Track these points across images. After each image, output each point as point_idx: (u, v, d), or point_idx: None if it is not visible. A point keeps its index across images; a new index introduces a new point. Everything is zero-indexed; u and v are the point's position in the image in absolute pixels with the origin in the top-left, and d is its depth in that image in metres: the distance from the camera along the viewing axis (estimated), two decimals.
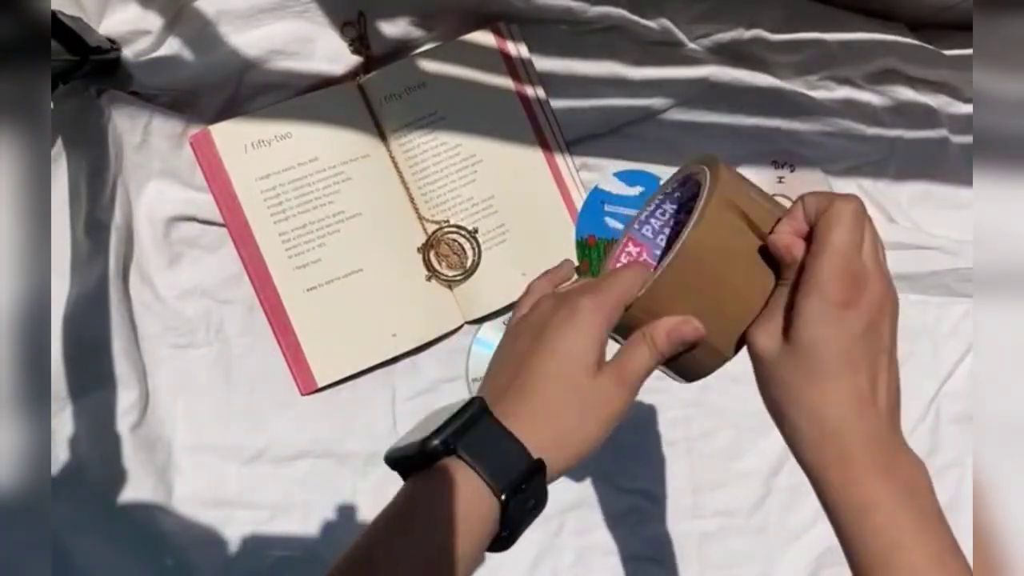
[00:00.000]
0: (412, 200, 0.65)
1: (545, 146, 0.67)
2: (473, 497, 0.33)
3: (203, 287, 0.62)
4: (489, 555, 0.68)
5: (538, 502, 0.35)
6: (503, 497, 0.33)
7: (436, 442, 0.33)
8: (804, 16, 0.68)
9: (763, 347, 0.37)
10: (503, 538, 0.35)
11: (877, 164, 0.74)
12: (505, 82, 0.66)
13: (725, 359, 0.40)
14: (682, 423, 0.71)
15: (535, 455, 0.34)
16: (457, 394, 0.67)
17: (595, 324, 0.36)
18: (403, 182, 0.65)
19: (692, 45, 0.68)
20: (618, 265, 0.42)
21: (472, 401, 0.35)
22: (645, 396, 0.70)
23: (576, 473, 0.68)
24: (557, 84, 0.67)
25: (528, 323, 0.38)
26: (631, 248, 0.43)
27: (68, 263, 0.57)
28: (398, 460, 0.35)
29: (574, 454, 0.35)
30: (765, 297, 0.38)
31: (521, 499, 0.33)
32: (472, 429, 0.34)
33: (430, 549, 0.32)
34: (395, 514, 0.34)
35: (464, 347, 0.67)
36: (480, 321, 0.67)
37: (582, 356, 0.36)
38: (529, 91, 0.66)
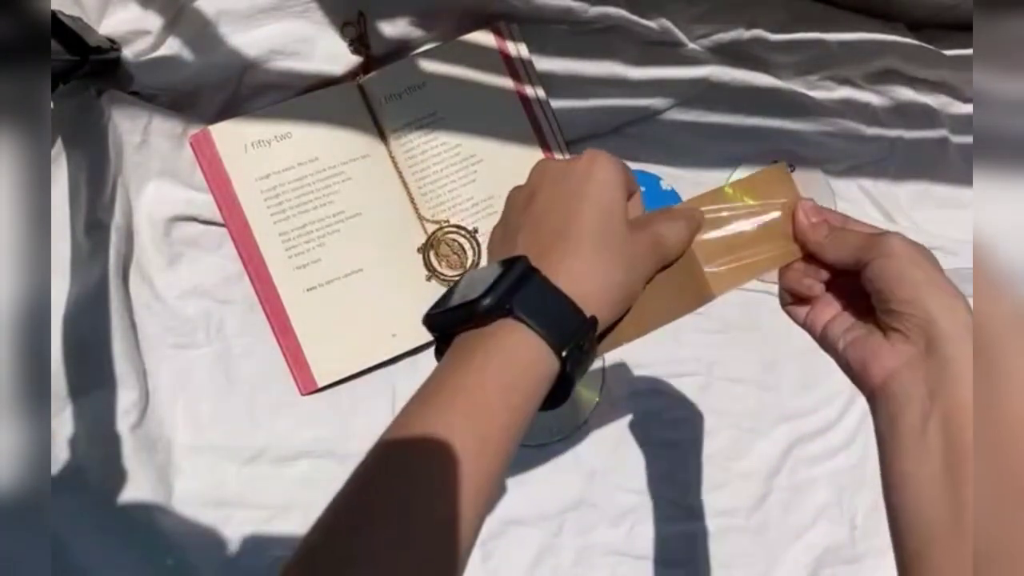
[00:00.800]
0: (412, 200, 0.65)
1: (545, 146, 0.67)
2: (535, 356, 0.32)
3: (203, 287, 0.62)
4: (489, 556, 0.68)
5: (590, 358, 0.34)
6: (564, 354, 0.32)
7: (489, 301, 0.32)
8: (804, 16, 0.68)
9: None
10: (556, 396, 0.35)
11: (877, 164, 0.75)
12: (505, 82, 0.66)
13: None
14: (682, 423, 0.71)
15: (587, 312, 0.33)
16: None
17: (620, 172, 0.36)
18: (403, 182, 0.65)
19: (692, 45, 0.68)
20: None
21: (516, 260, 0.34)
22: (646, 397, 0.70)
23: (576, 473, 0.68)
24: (557, 84, 0.67)
25: (548, 176, 0.37)
26: None
27: (68, 263, 0.57)
28: (446, 323, 0.34)
29: (621, 308, 0.35)
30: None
31: (577, 356, 0.33)
32: (523, 288, 0.32)
33: (502, 397, 0.32)
34: (458, 366, 0.33)
35: None
36: None
37: (618, 208, 0.35)
38: (529, 91, 0.66)
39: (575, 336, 0.33)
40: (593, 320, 0.33)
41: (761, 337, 0.73)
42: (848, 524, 0.73)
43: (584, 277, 0.34)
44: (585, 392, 0.67)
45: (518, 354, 0.32)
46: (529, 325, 0.32)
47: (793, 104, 0.71)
